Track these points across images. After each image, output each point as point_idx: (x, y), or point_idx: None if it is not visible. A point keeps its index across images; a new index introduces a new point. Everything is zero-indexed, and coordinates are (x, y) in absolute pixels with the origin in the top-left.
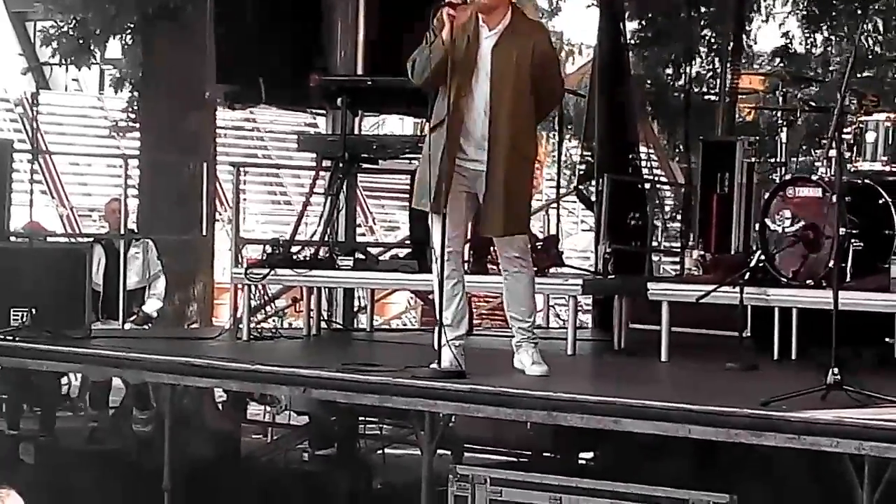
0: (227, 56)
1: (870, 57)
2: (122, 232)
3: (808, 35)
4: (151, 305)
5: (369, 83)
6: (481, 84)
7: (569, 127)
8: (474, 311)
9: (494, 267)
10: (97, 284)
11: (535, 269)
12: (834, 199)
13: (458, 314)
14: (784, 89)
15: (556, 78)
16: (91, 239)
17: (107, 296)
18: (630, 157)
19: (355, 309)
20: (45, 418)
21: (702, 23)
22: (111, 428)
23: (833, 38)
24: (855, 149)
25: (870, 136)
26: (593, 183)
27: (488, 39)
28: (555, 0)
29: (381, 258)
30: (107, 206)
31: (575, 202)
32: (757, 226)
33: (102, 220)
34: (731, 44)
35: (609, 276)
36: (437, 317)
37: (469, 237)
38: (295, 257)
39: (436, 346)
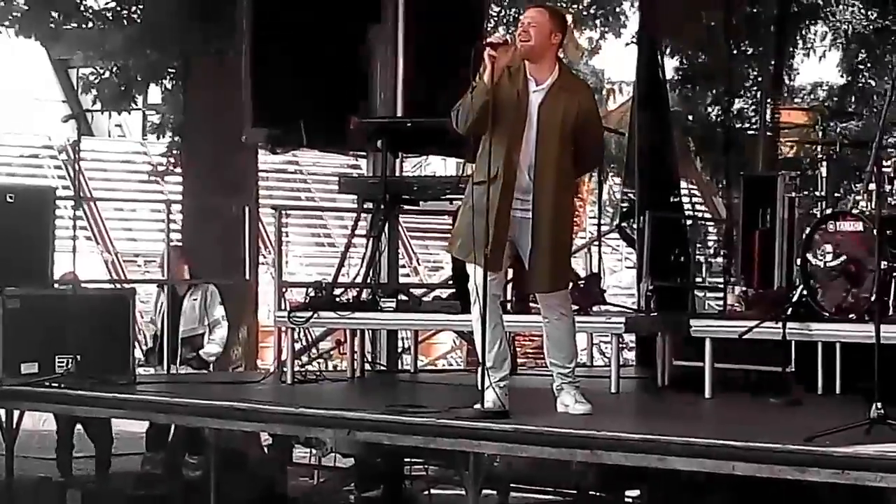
0: (265, 99)
1: None
2: (166, 277)
3: (848, 70)
4: (210, 349)
5: (408, 125)
6: (528, 140)
7: (611, 165)
8: (518, 349)
9: (537, 305)
10: (157, 328)
11: (577, 307)
12: (875, 232)
13: (499, 356)
14: (824, 124)
15: (598, 138)
16: (133, 284)
17: (173, 340)
18: (672, 193)
19: (399, 350)
20: (100, 461)
21: (742, 58)
22: (162, 472)
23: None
24: (895, 182)
25: None
26: (635, 220)
27: (536, 94)
28: (595, 39)
29: (424, 299)
30: (171, 257)
31: (618, 239)
32: (799, 260)
33: (160, 269)
34: (772, 79)
35: (652, 314)
36: (480, 357)
37: (510, 277)
38: (338, 300)
39: (482, 386)
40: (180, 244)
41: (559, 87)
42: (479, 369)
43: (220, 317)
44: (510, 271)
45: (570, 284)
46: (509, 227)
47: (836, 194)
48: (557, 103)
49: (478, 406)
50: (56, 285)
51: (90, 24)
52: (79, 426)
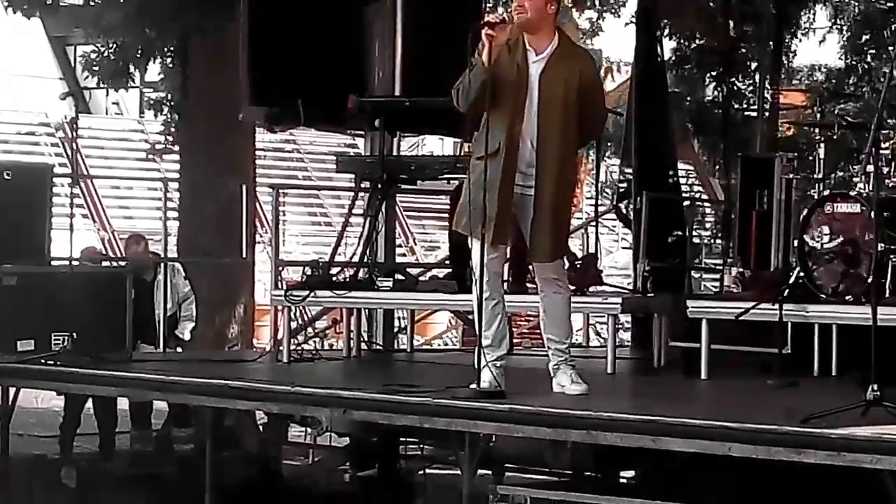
0: (262, 78)
1: None
2: (162, 255)
3: (847, 51)
4: (184, 328)
5: (407, 104)
6: (529, 111)
7: (608, 145)
8: (514, 330)
9: (534, 286)
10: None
11: (574, 287)
12: (872, 214)
13: (498, 334)
14: (822, 105)
15: (601, 106)
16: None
17: (138, 325)
18: (669, 174)
19: (395, 329)
20: (105, 442)
21: (741, 39)
22: (154, 449)
23: (872, 53)
24: (893, 164)
25: None
26: (632, 201)
27: (536, 64)
28: (594, 19)
29: (420, 278)
30: (125, 246)
31: (615, 220)
32: (796, 242)
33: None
34: (771, 60)
35: (648, 294)
36: (477, 337)
37: (508, 257)
38: (335, 279)
39: (478, 366)
40: (138, 235)
41: (559, 55)
42: (476, 348)
43: (187, 291)
44: (508, 251)
45: (566, 259)
46: (512, 202)
47: (833, 175)
48: (558, 72)
49: (474, 386)
50: (80, 259)
51: (89, 1)
52: (89, 405)
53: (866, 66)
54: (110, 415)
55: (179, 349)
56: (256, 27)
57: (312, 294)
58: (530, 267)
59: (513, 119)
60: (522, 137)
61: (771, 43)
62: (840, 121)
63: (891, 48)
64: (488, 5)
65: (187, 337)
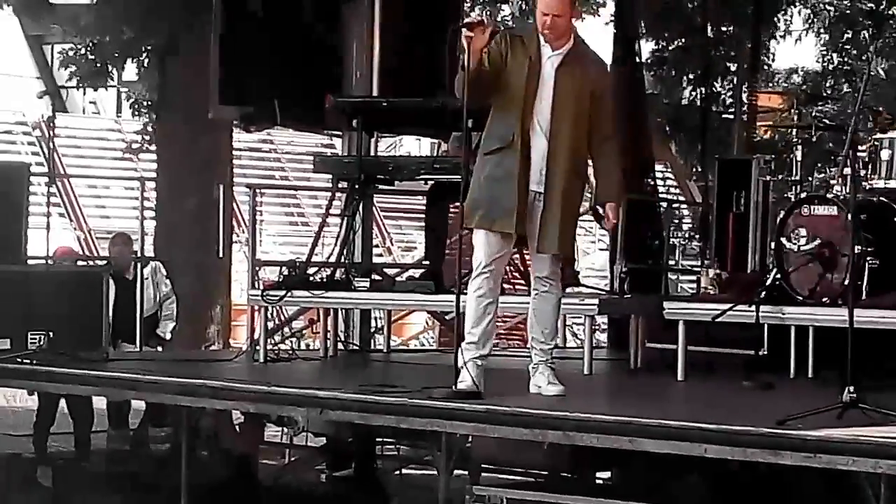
0: (235, 77)
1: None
2: (139, 255)
3: (824, 53)
4: (165, 328)
5: (384, 104)
6: (543, 104)
7: None
8: None
9: (512, 287)
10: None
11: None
12: (849, 217)
13: (485, 334)
14: (800, 107)
15: (610, 113)
16: (106, 262)
17: (119, 324)
18: (647, 176)
19: (372, 330)
20: (80, 441)
21: (718, 42)
22: (130, 448)
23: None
24: (870, 166)
25: (885, 154)
26: None
27: (551, 59)
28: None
29: (397, 279)
30: (111, 244)
31: (592, 222)
32: (773, 244)
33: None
34: (748, 62)
35: (625, 296)
36: (456, 336)
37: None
38: (311, 279)
39: (457, 365)
40: (123, 234)
41: (575, 53)
42: (456, 349)
43: (168, 290)
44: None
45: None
46: (527, 192)
47: (810, 178)
48: (574, 70)
49: (452, 386)
50: (54, 258)
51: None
52: (63, 403)
53: (844, 69)
54: (85, 413)
55: (160, 348)
56: (231, 27)
57: (289, 294)
58: (509, 268)
59: (524, 112)
60: (535, 130)
61: (749, 45)
62: (817, 123)
63: (869, 51)
64: (467, 6)
65: (168, 336)
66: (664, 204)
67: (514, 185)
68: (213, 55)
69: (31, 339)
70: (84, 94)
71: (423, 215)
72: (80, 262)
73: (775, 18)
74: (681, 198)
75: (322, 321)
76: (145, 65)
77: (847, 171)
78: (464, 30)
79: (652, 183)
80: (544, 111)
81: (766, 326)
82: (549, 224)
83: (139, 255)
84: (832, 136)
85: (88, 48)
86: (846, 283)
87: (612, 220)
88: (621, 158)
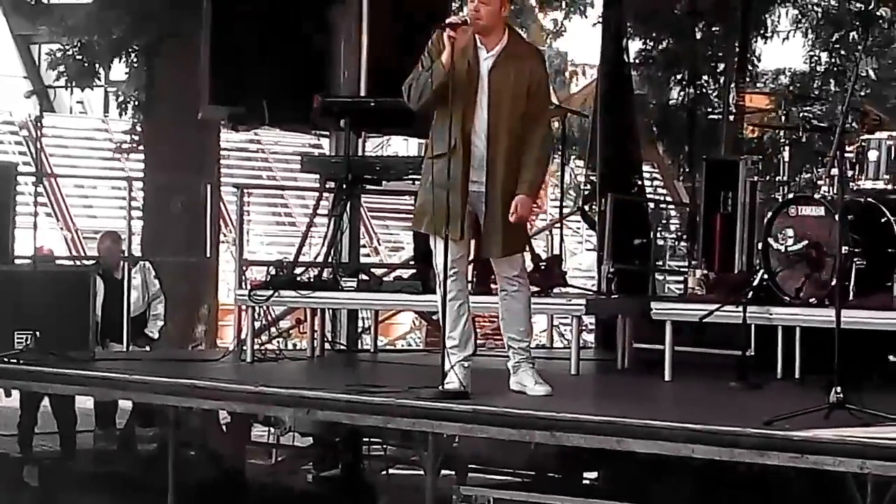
0: (224, 77)
1: (872, 77)
2: (126, 255)
3: (812, 54)
4: (153, 327)
5: (372, 104)
6: (480, 106)
7: (573, 147)
8: (478, 331)
9: (496, 288)
10: (96, 314)
11: (538, 289)
12: (836, 217)
13: (464, 335)
14: (787, 108)
15: (547, 104)
16: (94, 262)
17: (108, 323)
18: (634, 177)
19: (359, 330)
20: (65, 440)
21: (706, 42)
22: (118, 448)
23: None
24: (857, 167)
25: (872, 155)
26: (597, 203)
27: (486, 61)
28: (559, 20)
29: (384, 279)
30: (100, 242)
31: (579, 222)
32: (760, 245)
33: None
34: (736, 63)
35: (612, 296)
36: (443, 336)
37: (472, 258)
38: (299, 279)
39: (444, 366)
40: (112, 233)
41: (508, 52)
42: (442, 349)
43: (157, 290)
44: (472, 251)
45: (523, 257)
46: (468, 198)
47: (797, 178)
48: (507, 69)
49: (439, 386)
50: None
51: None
52: (45, 403)
53: (831, 69)
54: (68, 413)
55: (148, 348)
56: (220, 27)
57: (276, 294)
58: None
59: (465, 116)
60: (476, 133)
61: (736, 45)
62: (805, 124)
63: (856, 51)
64: (455, 6)
65: (156, 336)
66: (651, 204)
67: (458, 190)
68: (203, 55)
69: (18, 338)
70: (71, 93)
71: (410, 215)
72: (58, 262)
73: (763, 18)
74: (668, 198)
75: (309, 321)
76: (133, 64)
77: (834, 171)
78: (447, 30)
79: (639, 183)
80: (482, 112)
81: (753, 327)
82: (490, 229)
83: (127, 254)
84: (820, 136)
85: (76, 48)
86: (833, 283)
87: (518, 215)
88: (544, 153)
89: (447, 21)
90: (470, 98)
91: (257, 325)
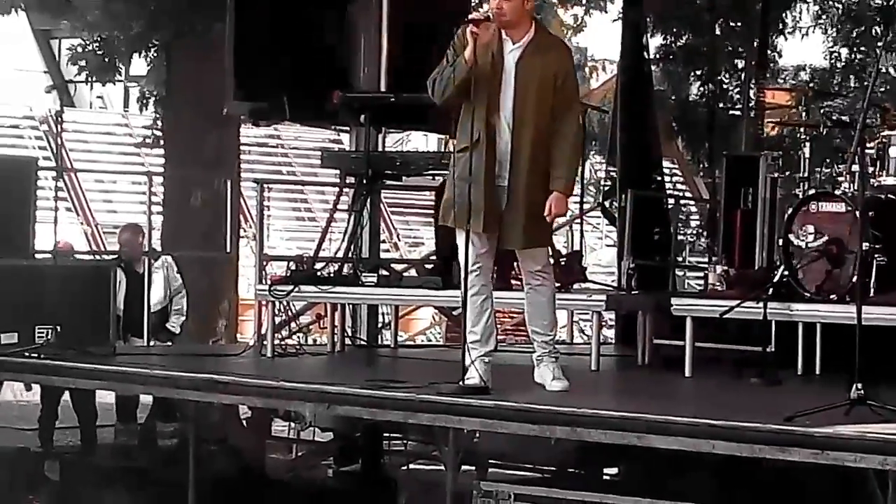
0: (247, 72)
1: (892, 73)
2: (146, 249)
3: (832, 50)
4: (175, 322)
5: (392, 100)
6: (506, 98)
7: (593, 143)
8: (499, 326)
9: (518, 283)
10: (118, 308)
11: (558, 284)
12: (857, 213)
13: (486, 330)
14: (807, 104)
15: (575, 97)
16: (115, 256)
17: (130, 317)
18: (654, 172)
19: (379, 325)
20: (86, 435)
21: (726, 38)
22: (138, 443)
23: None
24: (878, 163)
25: (893, 151)
26: (617, 198)
27: (512, 53)
28: (580, 16)
29: (405, 274)
30: (120, 234)
31: (599, 218)
32: (780, 241)
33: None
34: (756, 59)
35: (633, 292)
36: (464, 332)
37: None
38: (319, 274)
39: (465, 361)
40: (133, 225)
41: (536, 44)
42: (463, 344)
43: (178, 284)
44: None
45: (548, 251)
46: (494, 189)
47: (818, 174)
48: (534, 61)
49: (459, 382)
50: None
51: None
52: (66, 397)
53: (852, 66)
54: (89, 408)
55: (169, 343)
56: (242, 22)
57: (297, 289)
58: (515, 263)
59: (490, 109)
60: (500, 125)
61: (756, 41)
62: (825, 120)
63: (877, 47)
64: (475, 2)
65: (178, 331)
66: (671, 200)
67: (481, 184)
68: (226, 52)
69: (39, 333)
70: (91, 88)
71: (430, 211)
72: (77, 257)
73: (783, 14)
74: (688, 194)
75: (329, 316)
76: (153, 60)
77: (855, 167)
78: (470, 26)
79: (659, 179)
80: (507, 104)
81: (773, 323)
82: (513, 220)
83: (148, 249)
84: (840, 132)
85: (96, 43)
86: (854, 279)
87: (553, 213)
88: (576, 148)
89: (470, 17)
90: (495, 90)
91: (278, 320)
